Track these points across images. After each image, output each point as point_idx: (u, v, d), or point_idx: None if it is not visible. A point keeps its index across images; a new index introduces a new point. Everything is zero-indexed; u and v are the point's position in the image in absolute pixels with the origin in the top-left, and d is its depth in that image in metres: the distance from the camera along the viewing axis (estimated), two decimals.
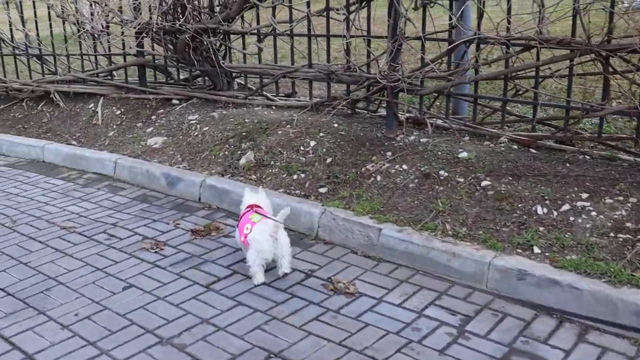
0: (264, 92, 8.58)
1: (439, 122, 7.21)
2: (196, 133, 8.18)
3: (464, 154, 6.51)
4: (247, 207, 5.35)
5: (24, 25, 10.14)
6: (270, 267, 5.39)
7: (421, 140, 6.99)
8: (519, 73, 6.40)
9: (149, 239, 6.17)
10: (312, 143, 7.21)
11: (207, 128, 8.17)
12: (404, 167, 6.56)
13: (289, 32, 7.81)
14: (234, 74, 8.65)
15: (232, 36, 8.71)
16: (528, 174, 6.12)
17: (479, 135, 7.06)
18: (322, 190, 6.60)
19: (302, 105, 8.19)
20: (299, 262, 5.63)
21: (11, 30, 10.48)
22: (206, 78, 9.41)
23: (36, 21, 10.12)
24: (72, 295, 5.18)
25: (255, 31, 8.15)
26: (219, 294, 5.17)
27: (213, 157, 7.63)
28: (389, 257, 5.66)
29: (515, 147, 6.72)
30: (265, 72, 8.05)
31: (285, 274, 5.23)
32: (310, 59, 7.78)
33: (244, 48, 8.44)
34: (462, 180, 6.21)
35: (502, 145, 6.77)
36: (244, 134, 7.74)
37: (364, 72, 7.31)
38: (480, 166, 6.30)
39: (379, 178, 6.54)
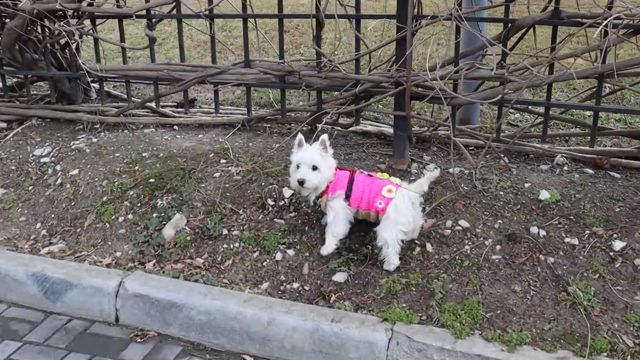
0: (150, 104, 5.07)
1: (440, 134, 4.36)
2: (58, 180, 4.53)
3: (544, 194, 3.74)
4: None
5: None
6: None
7: (449, 170, 4.07)
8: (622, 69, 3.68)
9: None
10: (287, 191, 3.99)
11: (76, 171, 4.55)
12: (463, 223, 3.65)
13: (207, 12, 4.37)
14: (102, 79, 4.97)
15: (98, 22, 4.99)
16: None
17: (518, 154, 4.32)
18: (339, 278, 3.52)
19: (225, 122, 4.84)
20: None
21: None
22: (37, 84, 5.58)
23: None
24: None
25: (144, 12, 4.57)
26: None
27: (107, 225, 4.10)
28: None
29: (589, 170, 4.07)
30: (169, 75, 4.55)
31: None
32: (247, 54, 4.43)
33: (121, 40, 4.81)
34: (575, 241, 3.49)
35: (566, 167, 4.15)
36: (151, 180, 4.26)
37: (345, 71, 4.17)
38: (583, 213, 3.66)
39: (429, 248, 3.55)
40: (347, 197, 3.46)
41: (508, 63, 4.01)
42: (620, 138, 4.60)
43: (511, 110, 4.90)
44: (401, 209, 3.39)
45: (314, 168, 3.40)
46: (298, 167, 3.43)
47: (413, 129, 4.33)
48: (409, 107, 4.00)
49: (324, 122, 4.23)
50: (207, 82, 4.52)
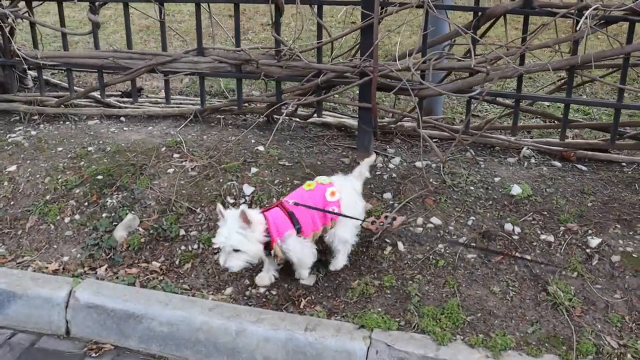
0: (93, 94, 4.71)
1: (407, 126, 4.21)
2: None
3: (516, 189, 3.63)
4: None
5: None
6: None
7: (416, 164, 3.93)
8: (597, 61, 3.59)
9: None
10: (248, 188, 3.76)
11: (14, 167, 4.19)
12: (434, 221, 3.52)
13: None
14: (41, 66, 4.58)
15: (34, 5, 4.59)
16: (636, 215, 3.48)
17: (484, 147, 4.22)
18: (308, 280, 3.29)
19: (176, 113, 4.54)
20: None
21: None
22: None
23: None
24: None
25: None
26: None
27: (52, 227, 3.77)
28: None
29: (556, 163, 4.00)
30: (115, 63, 4.22)
31: None
32: (200, 41, 4.15)
33: (61, 24, 4.44)
34: (550, 238, 3.40)
35: (533, 159, 4.09)
36: (99, 176, 3.95)
37: (307, 60, 3.95)
38: (556, 208, 3.59)
39: (401, 247, 3.38)
40: (298, 231, 3.10)
41: (477, 53, 3.85)
42: (581, 130, 4.53)
43: (474, 101, 4.77)
44: (354, 204, 3.22)
45: (236, 250, 2.98)
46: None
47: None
48: (375, 99, 3.80)
49: (284, 114, 3.98)
50: (158, 71, 4.22)
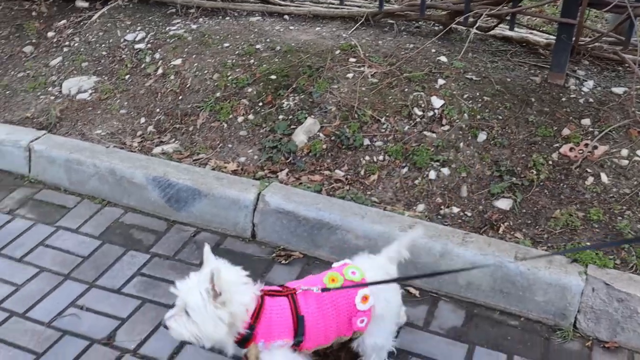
0: None
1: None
2: (159, 70, 4.13)
3: None
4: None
5: None
6: None
7: (613, 90, 3.68)
8: None
9: None
10: (436, 101, 3.60)
11: (179, 61, 4.14)
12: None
13: None
14: None
15: None
16: None
17: None
18: (503, 204, 3.22)
19: (344, 14, 4.38)
20: None
21: None
22: None
23: None
24: None
25: None
26: None
27: (225, 125, 3.73)
28: None
29: None
30: None
31: None
32: None
33: None
34: None
35: None
36: (272, 76, 3.87)
37: None
38: None
39: (604, 179, 3.21)
40: (298, 343, 2.28)
41: None
42: None
43: None
44: (392, 311, 2.47)
45: (188, 314, 2.17)
46: None
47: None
48: (583, 15, 3.55)
49: (477, 25, 3.77)
50: None
